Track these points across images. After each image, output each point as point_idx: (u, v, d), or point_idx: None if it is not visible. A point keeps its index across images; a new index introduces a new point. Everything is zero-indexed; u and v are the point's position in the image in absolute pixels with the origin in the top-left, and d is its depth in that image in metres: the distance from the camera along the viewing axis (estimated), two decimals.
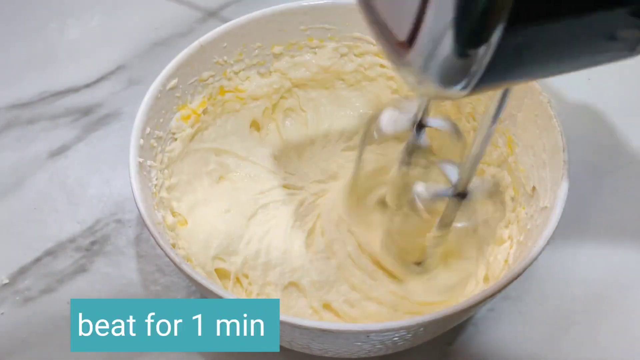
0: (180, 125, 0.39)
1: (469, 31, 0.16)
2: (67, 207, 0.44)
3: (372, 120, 0.35)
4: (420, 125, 0.34)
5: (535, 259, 0.30)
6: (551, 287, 0.40)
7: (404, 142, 0.35)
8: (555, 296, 0.40)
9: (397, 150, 0.36)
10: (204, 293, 0.33)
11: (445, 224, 0.32)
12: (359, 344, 0.30)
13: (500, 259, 0.36)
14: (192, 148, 0.41)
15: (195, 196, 0.40)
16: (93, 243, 0.43)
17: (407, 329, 0.28)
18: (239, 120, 0.44)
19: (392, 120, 0.35)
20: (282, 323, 0.28)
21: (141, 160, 0.34)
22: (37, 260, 0.42)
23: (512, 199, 0.38)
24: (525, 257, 0.30)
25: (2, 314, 0.39)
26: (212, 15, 0.57)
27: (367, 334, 0.28)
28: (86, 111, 0.50)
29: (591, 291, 0.40)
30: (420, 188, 0.32)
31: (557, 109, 0.35)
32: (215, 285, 0.29)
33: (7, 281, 0.41)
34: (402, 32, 0.18)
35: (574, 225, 0.42)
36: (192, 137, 0.41)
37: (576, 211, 0.43)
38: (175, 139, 0.39)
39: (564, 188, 0.32)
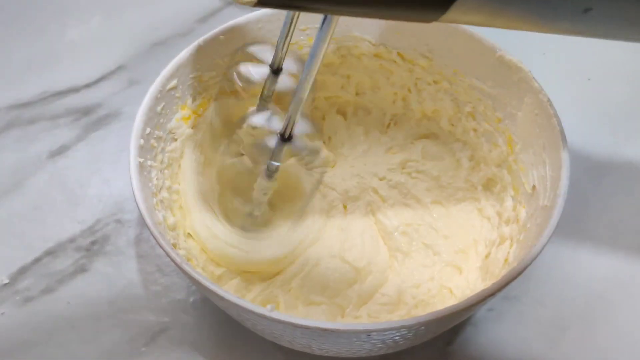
0: (180, 125, 0.39)
1: None
2: (67, 207, 0.44)
3: (228, 76, 0.37)
4: (276, 72, 0.35)
5: (536, 257, 0.30)
6: (551, 288, 0.40)
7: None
8: (555, 296, 0.40)
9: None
10: (205, 293, 0.33)
11: (268, 164, 0.33)
12: (360, 343, 0.30)
13: (500, 258, 0.36)
14: None
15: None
16: (93, 243, 0.43)
17: (408, 328, 0.28)
18: None
19: (248, 71, 0.37)
20: (284, 323, 0.28)
21: (141, 160, 0.34)
22: (37, 260, 0.42)
23: (512, 197, 0.38)
24: (526, 256, 0.30)
25: (2, 314, 0.39)
26: (212, 15, 0.57)
27: (368, 332, 0.28)
28: (86, 111, 0.50)
29: (591, 291, 0.40)
30: (256, 117, 0.34)
31: (557, 109, 0.35)
32: (216, 286, 0.29)
33: (7, 281, 0.41)
34: None
35: (574, 225, 0.42)
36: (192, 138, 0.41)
37: (576, 211, 0.43)
38: (175, 139, 0.39)
39: (563, 187, 0.32)
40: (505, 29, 0.22)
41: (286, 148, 0.32)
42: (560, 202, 0.31)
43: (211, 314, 0.39)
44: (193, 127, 0.40)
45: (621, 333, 0.38)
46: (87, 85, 0.52)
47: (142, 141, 0.35)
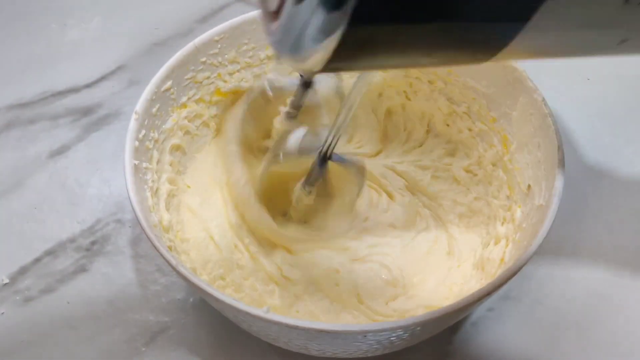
0: (175, 126, 0.39)
1: (329, 4, 0.16)
2: (67, 207, 0.44)
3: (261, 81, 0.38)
4: (306, 84, 0.35)
5: (531, 257, 0.30)
6: (551, 288, 0.40)
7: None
8: (554, 296, 0.39)
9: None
10: (201, 294, 0.33)
11: (308, 184, 0.34)
12: (357, 344, 0.30)
13: (496, 257, 0.36)
14: None
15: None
16: (93, 243, 0.43)
17: (404, 328, 0.28)
18: None
19: (279, 80, 0.37)
20: (279, 324, 0.28)
21: (137, 162, 0.34)
22: (37, 260, 0.42)
23: (508, 197, 0.38)
24: (521, 256, 0.30)
25: (2, 314, 0.39)
26: (212, 15, 0.57)
27: (364, 334, 0.28)
28: (86, 111, 0.50)
29: (591, 291, 0.40)
30: (292, 138, 0.35)
31: (557, 109, 0.35)
32: (212, 288, 0.29)
33: (7, 281, 0.41)
34: (272, 3, 0.19)
35: (574, 225, 0.42)
36: None
37: (575, 212, 0.43)
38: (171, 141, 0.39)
39: (559, 186, 0.32)
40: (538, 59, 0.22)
41: (324, 167, 0.33)
42: (555, 202, 0.31)
43: (211, 314, 0.39)
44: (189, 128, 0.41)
45: (621, 333, 0.38)
46: (87, 85, 0.52)
47: (137, 143, 0.35)
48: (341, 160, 0.35)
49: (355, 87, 0.29)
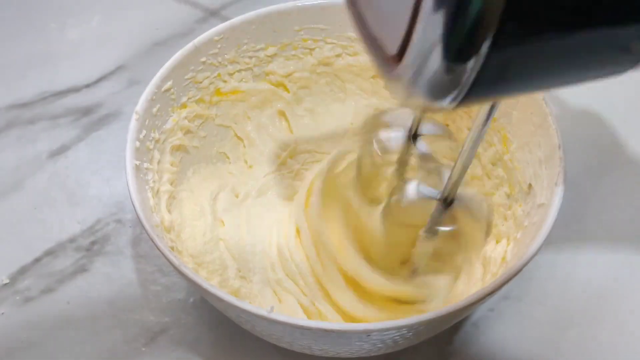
0: (175, 127, 0.39)
1: (457, 47, 0.16)
2: (67, 207, 0.44)
3: (366, 149, 0.37)
4: (415, 136, 0.35)
5: (534, 256, 0.30)
6: (551, 287, 0.40)
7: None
8: (555, 296, 0.39)
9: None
10: (204, 295, 0.33)
11: (430, 229, 0.32)
12: (360, 343, 0.30)
13: (497, 256, 0.36)
14: None
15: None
16: (93, 243, 0.43)
17: (408, 327, 0.28)
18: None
19: (387, 139, 0.36)
20: (283, 324, 0.28)
21: (137, 162, 0.34)
22: (37, 260, 0.42)
23: (508, 196, 0.38)
24: (523, 255, 0.30)
25: (2, 314, 0.39)
26: (213, 15, 0.57)
27: (367, 333, 0.28)
28: (86, 111, 0.50)
29: (591, 291, 0.40)
30: (410, 189, 0.33)
31: (557, 110, 0.35)
32: (215, 288, 0.29)
33: (7, 281, 0.41)
34: (392, 47, 0.18)
35: (574, 225, 0.42)
36: None
37: (576, 211, 0.43)
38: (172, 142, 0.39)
39: (560, 184, 0.32)
40: None
41: (448, 212, 0.32)
42: (556, 200, 0.31)
43: (211, 314, 0.39)
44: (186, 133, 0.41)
45: (621, 333, 0.38)
46: (87, 85, 0.52)
47: (138, 144, 0.35)
48: (464, 200, 0.32)
49: (483, 119, 0.27)
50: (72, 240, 0.43)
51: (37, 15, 0.58)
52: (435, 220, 0.32)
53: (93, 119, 0.50)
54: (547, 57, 0.17)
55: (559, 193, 0.31)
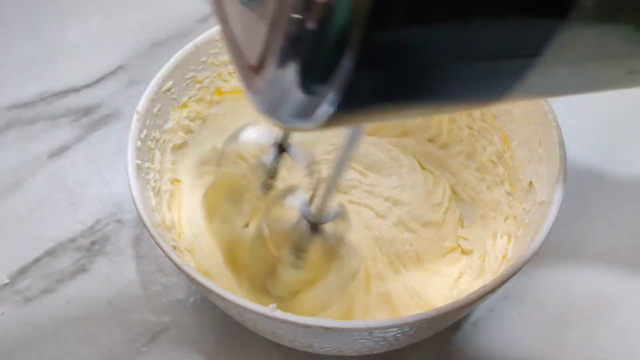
0: (176, 126, 0.39)
1: (315, 67, 0.14)
2: (67, 207, 0.44)
3: (234, 134, 0.36)
4: (281, 148, 0.33)
5: (535, 253, 0.30)
6: (551, 288, 0.40)
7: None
8: (555, 296, 0.40)
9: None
10: (205, 293, 0.33)
11: (298, 254, 0.31)
12: (362, 341, 0.30)
13: (498, 254, 0.36)
14: None
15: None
16: (93, 243, 0.43)
17: (410, 325, 0.28)
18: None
19: (256, 133, 0.35)
20: (285, 322, 0.28)
21: (139, 162, 0.34)
22: (37, 260, 0.42)
23: (509, 194, 0.38)
24: (525, 251, 0.30)
25: (2, 314, 0.39)
26: (212, 15, 0.57)
27: (370, 330, 0.28)
28: (86, 111, 0.50)
29: (591, 291, 0.40)
30: (272, 217, 0.32)
31: (556, 111, 0.35)
32: (216, 286, 0.29)
33: (7, 281, 0.41)
34: (252, 56, 0.16)
35: (574, 225, 0.42)
36: None
37: (576, 211, 0.43)
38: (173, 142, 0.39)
39: (561, 182, 0.32)
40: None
41: (316, 236, 0.31)
42: (557, 198, 0.31)
43: (211, 314, 0.39)
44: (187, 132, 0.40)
45: (621, 333, 0.38)
46: (87, 85, 0.52)
47: (139, 143, 0.35)
48: (332, 218, 0.31)
49: (347, 145, 0.25)
50: (72, 240, 0.43)
51: (37, 16, 0.58)
52: (302, 245, 0.31)
53: (93, 119, 0.50)
54: (413, 78, 0.15)
55: (559, 190, 0.32)
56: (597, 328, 0.38)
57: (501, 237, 0.37)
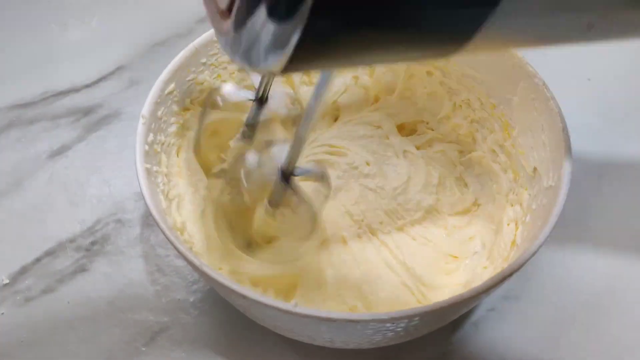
0: (180, 129, 0.39)
1: (281, 5, 0.15)
2: (67, 207, 0.44)
3: (213, 90, 0.37)
4: (260, 101, 0.35)
5: (547, 237, 0.30)
6: (551, 287, 0.40)
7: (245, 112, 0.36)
8: (555, 296, 0.40)
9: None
10: (224, 294, 0.32)
11: (272, 204, 0.32)
12: (384, 331, 0.30)
13: (507, 240, 0.36)
14: None
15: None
16: (93, 243, 0.43)
17: (431, 313, 0.28)
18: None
19: (233, 91, 0.36)
20: (309, 317, 0.28)
21: (148, 166, 0.34)
22: (37, 260, 0.42)
23: (513, 181, 0.39)
24: (537, 235, 0.30)
25: (2, 314, 0.39)
26: None
27: (393, 321, 0.28)
28: (87, 111, 0.50)
29: (591, 291, 0.40)
30: (250, 163, 0.33)
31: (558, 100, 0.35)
32: (237, 285, 0.29)
33: (7, 281, 0.41)
34: (222, 1, 0.18)
35: (574, 225, 0.42)
36: None
37: (576, 211, 0.43)
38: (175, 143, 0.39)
39: (567, 166, 0.32)
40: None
41: (287, 187, 0.31)
42: (565, 181, 0.31)
43: (211, 313, 0.39)
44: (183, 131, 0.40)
45: (621, 333, 0.38)
46: (88, 85, 0.52)
47: (146, 147, 0.34)
48: (305, 173, 0.32)
49: (315, 96, 0.26)
50: (72, 240, 0.43)
51: (38, 16, 0.58)
52: (275, 193, 0.32)
53: (93, 119, 0.50)
54: (373, 25, 0.16)
55: (567, 174, 0.32)
56: (597, 328, 0.38)
57: (507, 224, 0.37)
